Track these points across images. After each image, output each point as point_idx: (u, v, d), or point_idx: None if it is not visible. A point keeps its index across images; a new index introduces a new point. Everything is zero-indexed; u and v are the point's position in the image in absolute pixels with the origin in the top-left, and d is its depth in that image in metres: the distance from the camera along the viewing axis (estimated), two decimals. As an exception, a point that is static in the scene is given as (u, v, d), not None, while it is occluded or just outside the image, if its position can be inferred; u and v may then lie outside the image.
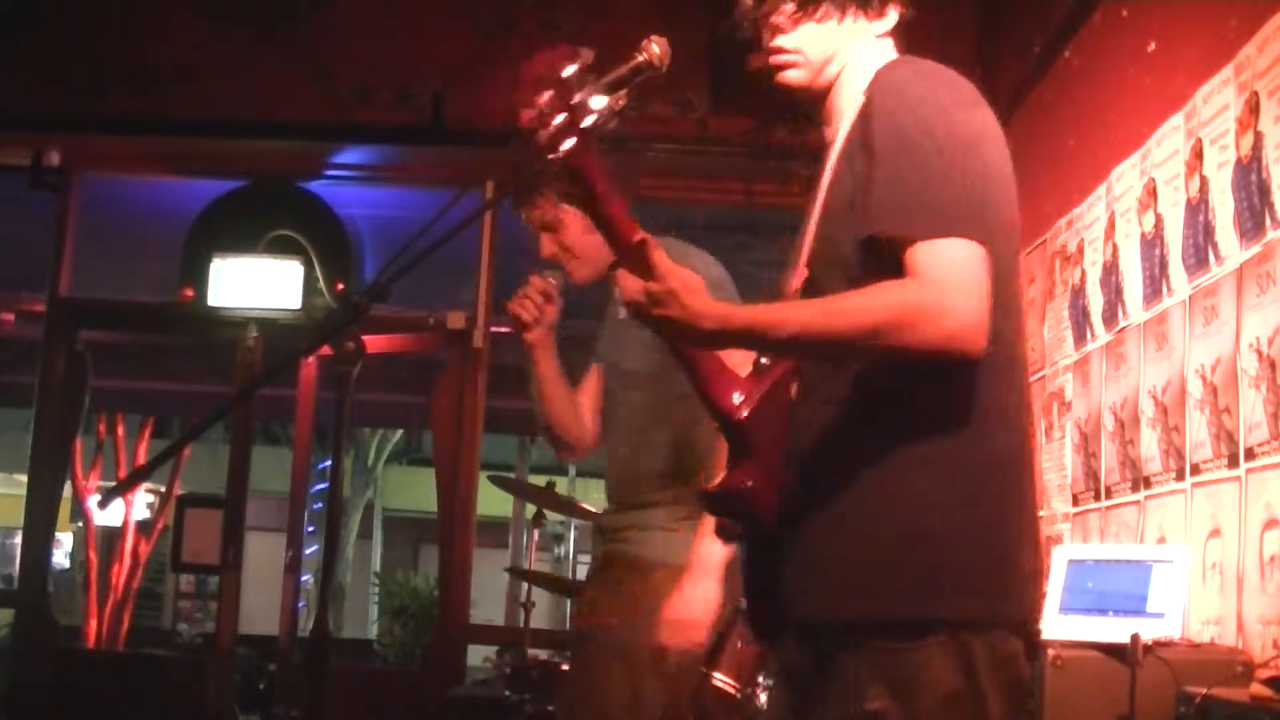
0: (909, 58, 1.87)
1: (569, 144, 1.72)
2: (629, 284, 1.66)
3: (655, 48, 2.20)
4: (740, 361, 1.82)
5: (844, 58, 1.92)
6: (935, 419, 1.73)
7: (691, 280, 1.66)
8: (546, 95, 1.77)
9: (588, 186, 1.74)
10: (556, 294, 2.98)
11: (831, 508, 1.75)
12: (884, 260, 1.70)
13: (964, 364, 1.67)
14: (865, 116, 1.79)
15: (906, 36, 1.98)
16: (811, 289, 1.82)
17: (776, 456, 1.78)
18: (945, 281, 1.65)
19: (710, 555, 2.77)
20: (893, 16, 1.94)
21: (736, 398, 1.77)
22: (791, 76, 1.94)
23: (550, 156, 1.72)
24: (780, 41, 1.92)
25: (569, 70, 1.77)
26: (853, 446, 1.75)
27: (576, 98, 1.75)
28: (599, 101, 1.77)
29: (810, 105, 1.98)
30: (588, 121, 1.75)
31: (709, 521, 2.75)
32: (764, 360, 1.82)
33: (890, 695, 1.69)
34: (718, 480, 1.82)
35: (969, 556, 1.72)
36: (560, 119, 1.74)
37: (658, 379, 2.94)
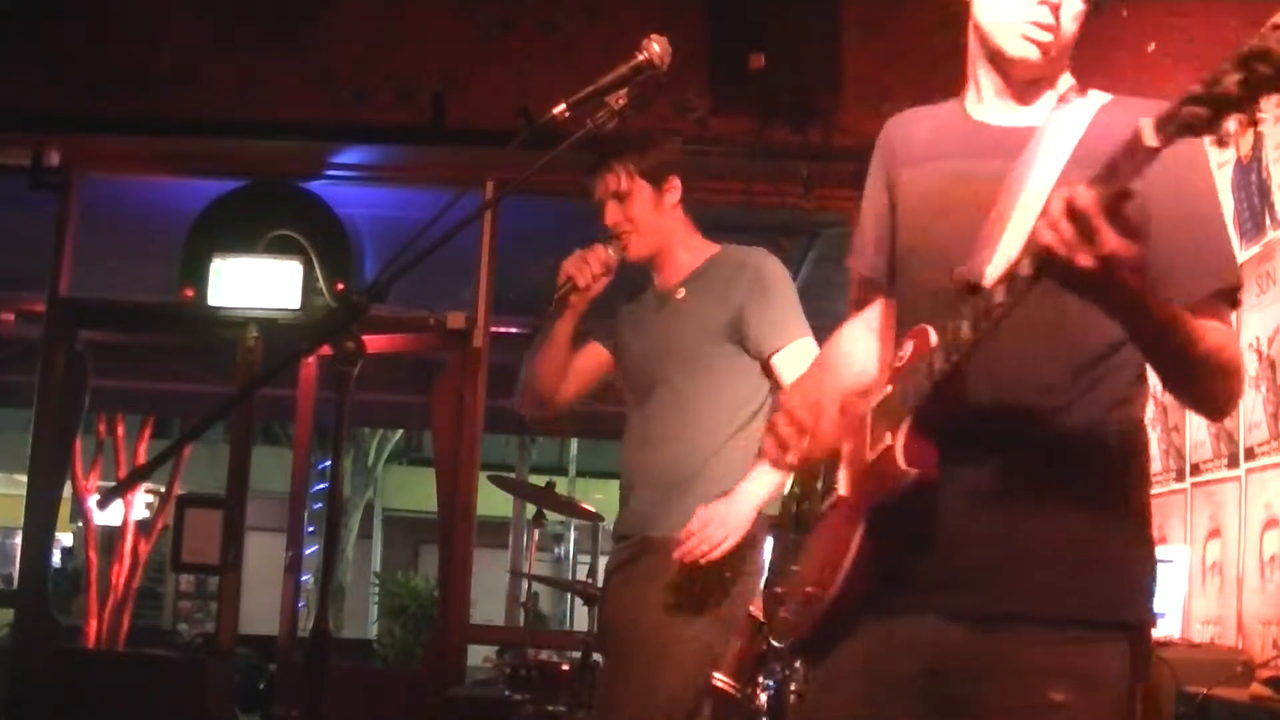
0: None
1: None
2: (1109, 234, 1.51)
3: (655, 47, 2.20)
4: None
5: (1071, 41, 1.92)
6: (1138, 430, 1.88)
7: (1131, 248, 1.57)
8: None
9: None
10: (614, 269, 3.10)
11: (1054, 512, 1.80)
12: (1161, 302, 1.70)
13: (1222, 418, 1.98)
14: (1159, 165, 1.59)
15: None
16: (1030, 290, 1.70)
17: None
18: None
19: (754, 487, 2.86)
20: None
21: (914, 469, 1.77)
22: (1040, 57, 1.88)
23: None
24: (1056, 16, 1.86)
25: None
26: (1083, 448, 1.81)
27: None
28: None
29: (1008, 78, 1.92)
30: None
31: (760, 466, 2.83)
32: (888, 438, 1.80)
33: (1073, 687, 1.75)
34: (906, 458, 1.76)
35: (1151, 564, 1.86)
36: None
37: (714, 366, 3.03)
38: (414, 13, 5.56)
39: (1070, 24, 1.86)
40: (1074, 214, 1.49)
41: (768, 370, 3.04)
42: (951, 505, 1.80)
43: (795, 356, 2.97)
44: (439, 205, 2.15)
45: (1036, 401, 1.80)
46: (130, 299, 6.08)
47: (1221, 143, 1.42)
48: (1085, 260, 1.50)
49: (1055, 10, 1.83)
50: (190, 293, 5.74)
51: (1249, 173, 2.96)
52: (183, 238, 5.82)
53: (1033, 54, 1.86)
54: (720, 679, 3.32)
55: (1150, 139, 1.44)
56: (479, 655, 9.74)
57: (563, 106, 2.13)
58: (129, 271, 6.04)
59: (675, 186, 3.12)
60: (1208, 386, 1.75)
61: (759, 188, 5.37)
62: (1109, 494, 1.82)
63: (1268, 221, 2.85)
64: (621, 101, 2.19)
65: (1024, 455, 1.80)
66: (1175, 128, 1.41)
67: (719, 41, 4.97)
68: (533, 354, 3.24)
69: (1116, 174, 1.48)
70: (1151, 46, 3.61)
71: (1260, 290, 2.87)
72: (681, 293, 3.12)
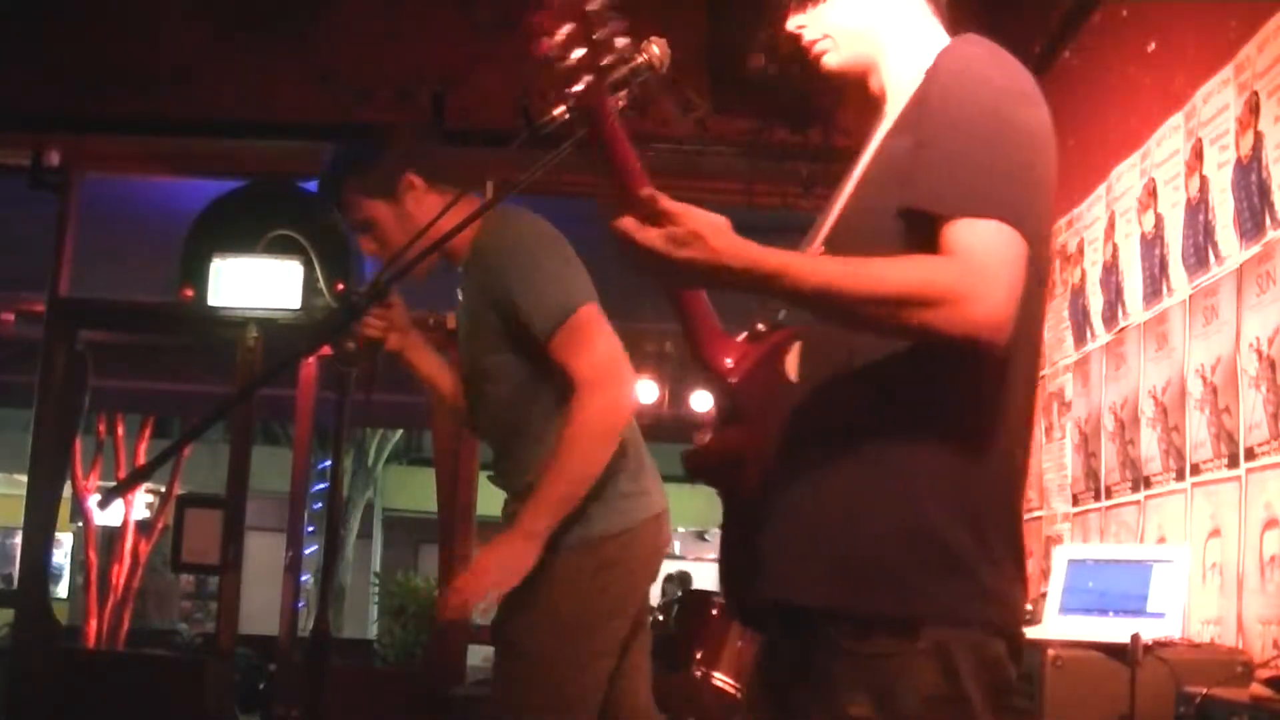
0: (980, 38, 1.78)
1: (585, 81, 1.69)
2: (647, 234, 1.57)
3: (655, 48, 2.20)
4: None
5: (875, 35, 1.86)
6: (952, 418, 1.68)
7: (716, 220, 1.59)
8: (568, 28, 1.72)
9: (601, 127, 1.68)
10: (392, 297, 2.93)
11: (829, 489, 1.68)
12: (921, 238, 1.63)
13: (981, 355, 1.59)
14: (926, 87, 1.71)
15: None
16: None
17: (765, 424, 1.72)
18: (982, 266, 1.58)
19: (534, 524, 2.69)
20: None
21: (729, 361, 1.72)
22: (830, 61, 1.86)
23: (567, 91, 1.68)
24: (809, 35, 1.86)
25: (594, 3, 1.70)
26: (861, 430, 1.68)
27: (598, 34, 1.70)
28: (619, 40, 1.71)
29: (857, 90, 1.90)
30: (607, 60, 1.71)
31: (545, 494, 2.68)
32: (760, 327, 1.77)
33: (871, 701, 1.63)
34: (703, 439, 1.76)
35: (963, 559, 1.66)
36: (580, 54, 1.69)
37: (511, 371, 2.85)
38: (414, 13, 5.56)
39: (840, 25, 1.85)
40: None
41: (549, 361, 2.75)
42: (766, 493, 1.75)
43: (572, 335, 2.72)
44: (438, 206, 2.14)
45: (836, 383, 1.71)
46: (130, 299, 6.09)
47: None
48: (642, 263, 1.58)
49: (798, 32, 1.86)
50: (190, 293, 5.74)
51: (1249, 173, 2.96)
52: (183, 238, 5.82)
53: (826, 65, 1.87)
54: (720, 679, 3.33)
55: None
56: (479, 655, 9.74)
57: (563, 107, 2.13)
58: (129, 271, 6.04)
59: (411, 184, 2.88)
60: (874, 320, 1.59)
61: (759, 188, 5.38)
62: (884, 476, 1.67)
63: (1268, 221, 2.85)
64: (621, 102, 2.19)
65: (815, 440, 1.71)
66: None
67: (719, 41, 4.97)
68: (429, 399, 3.08)
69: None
70: (1151, 46, 3.61)
71: (1260, 290, 2.87)
72: (459, 291, 2.95)
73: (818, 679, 1.68)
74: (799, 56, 1.88)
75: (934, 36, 1.87)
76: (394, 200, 2.87)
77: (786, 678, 1.77)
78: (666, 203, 1.58)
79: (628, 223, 1.58)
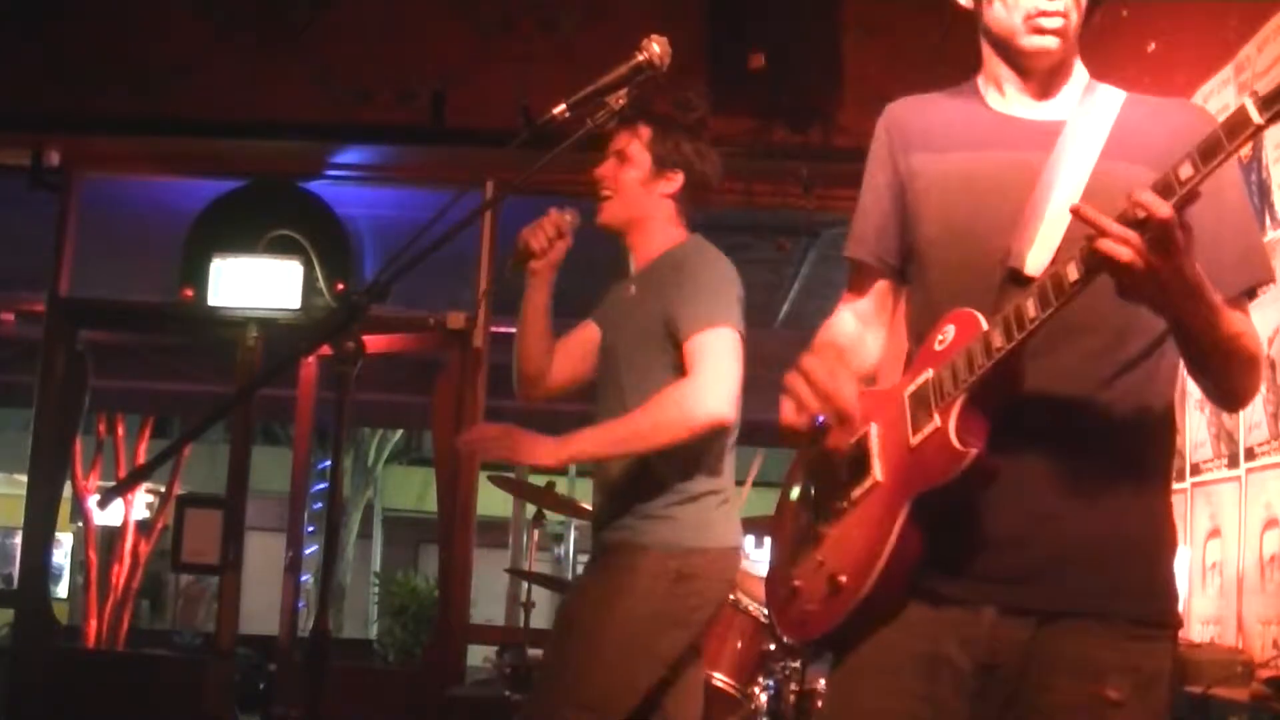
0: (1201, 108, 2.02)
1: None
2: (1130, 239, 1.56)
3: (655, 47, 2.20)
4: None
5: (1076, 44, 1.92)
6: (1170, 441, 1.91)
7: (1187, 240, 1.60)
8: None
9: None
10: (569, 231, 3.02)
11: (1110, 507, 1.80)
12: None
13: (1239, 409, 1.98)
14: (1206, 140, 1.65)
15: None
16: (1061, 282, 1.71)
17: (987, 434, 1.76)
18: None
19: (578, 444, 2.87)
20: None
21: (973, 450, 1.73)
22: (1055, 44, 1.87)
23: None
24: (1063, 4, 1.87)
25: None
26: (1136, 468, 1.84)
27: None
28: None
29: (1027, 71, 1.91)
30: None
31: None
32: (935, 417, 1.79)
33: (1130, 686, 1.76)
34: (968, 449, 1.73)
35: (1175, 570, 1.88)
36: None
37: (655, 366, 2.91)
38: (414, 13, 5.56)
39: (1075, 10, 1.87)
40: (1150, 223, 1.53)
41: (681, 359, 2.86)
42: (1007, 494, 1.77)
43: (703, 344, 2.82)
44: (439, 205, 2.14)
45: (1089, 392, 1.80)
46: (130, 299, 6.09)
47: None
48: (1159, 266, 1.56)
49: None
50: (190, 293, 5.74)
51: (1249, 173, 2.96)
52: (183, 238, 5.82)
53: (1048, 43, 1.86)
54: (720, 679, 3.33)
55: (1256, 116, 1.49)
56: (479, 655, 9.74)
57: (563, 107, 2.13)
58: (129, 271, 6.04)
59: (677, 180, 3.02)
60: (1235, 378, 1.77)
61: (759, 188, 5.37)
62: (1159, 489, 1.86)
63: (1268, 221, 2.85)
64: (621, 101, 2.19)
65: (1077, 445, 1.79)
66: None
67: (719, 41, 4.97)
68: (517, 334, 3.16)
69: (1215, 154, 1.54)
70: (1151, 46, 3.61)
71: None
72: (633, 289, 3.04)
73: (1071, 663, 1.78)
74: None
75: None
76: (656, 170, 3.03)
77: (1006, 663, 1.81)
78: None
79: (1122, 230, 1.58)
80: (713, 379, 2.78)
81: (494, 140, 4.84)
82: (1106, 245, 1.54)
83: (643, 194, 3.02)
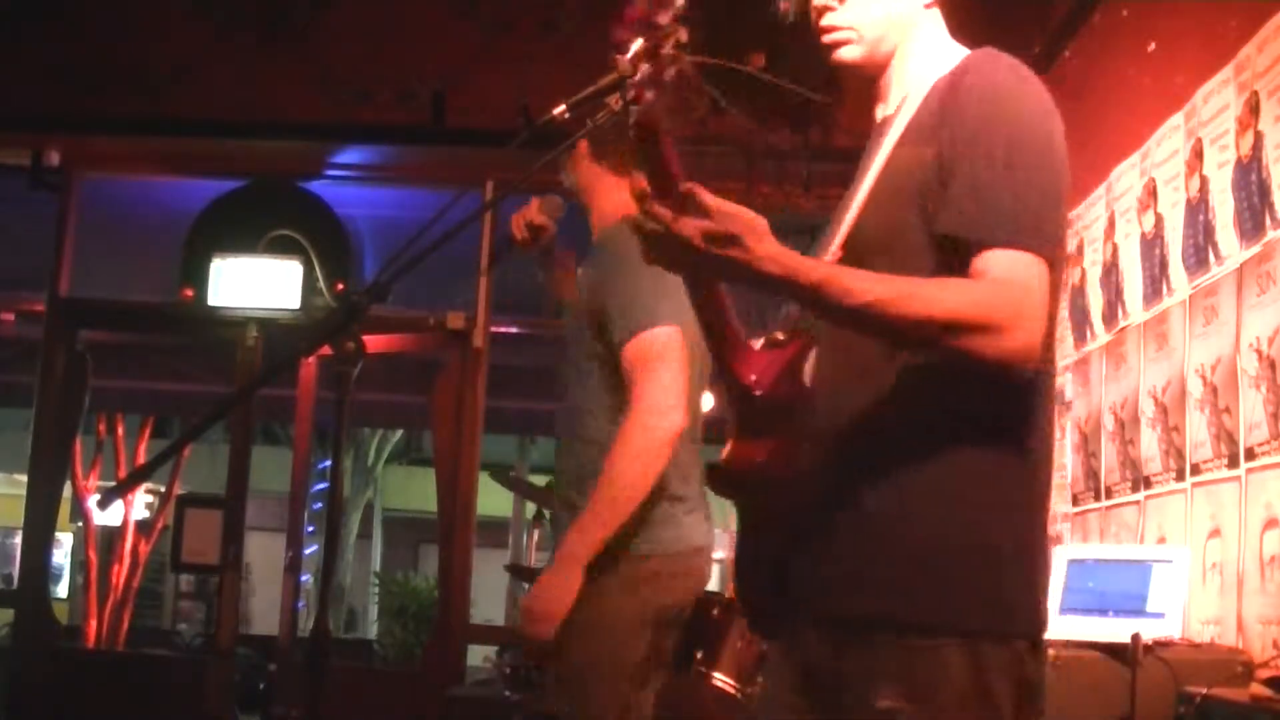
0: (998, 52, 1.82)
1: (647, 94, 1.69)
2: (684, 225, 1.56)
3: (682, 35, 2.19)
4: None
5: (897, 33, 1.88)
6: (993, 429, 1.73)
7: (756, 222, 1.60)
8: (639, 43, 1.75)
9: (656, 135, 1.67)
10: (552, 218, 2.99)
11: (875, 503, 1.72)
12: (949, 257, 1.68)
13: (1008, 377, 1.66)
14: (954, 105, 1.73)
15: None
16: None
17: (791, 435, 1.75)
18: (1019, 298, 1.64)
19: (574, 549, 2.75)
20: None
21: (753, 375, 1.73)
22: (847, 54, 1.87)
23: (633, 108, 1.69)
24: (831, 19, 1.87)
25: (664, 17, 1.72)
26: (904, 443, 1.72)
27: (664, 48, 1.72)
28: (681, 49, 1.74)
29: (860, 85, 1.92)
30: (669, 73, 1.72)
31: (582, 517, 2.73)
32: (779, 335, 1.79)
33: (903, 695, 1.68)
34: (727, 453, 1.76)
35: (1007, 571, 1.72)
36: (646, 70, 1.71)
37: (583, 356, 2.86)
38: (414, 13, 5.56)
39: (869, 18, 1.86)
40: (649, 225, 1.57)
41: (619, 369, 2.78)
42: (806, 503, 1.77)
43: (642, 348, 2.72)
44: (439, 205, 2.14)
45: (864, 392, 1.75)
46: (130, 299, 6.09)
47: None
48: (672, 255, 1.57)
49: (824, 9, 1.86)
50: (190, 293, 5.74)
51: (1249, 173, 2.96)
52: (183, 238, 5.82)
53: (842, 57, 1.87)
54: (720, 679, 3.33)
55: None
56: (479, 655, 9.74)
57: (563, 107, 2.12)
58: (129, 271, 6.04)
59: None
60: (920, 341, 1.64)
61: (759, 188, 5.38)
62: (948, 486, 1.71)
63: (1268, 221, 2.85)
64: (621, 102, 2.19)
65: (857, 452, 1.75)
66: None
67: (719, 41, 4.96)
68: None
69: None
70: (1151, 46, 3.61)
71: (1260, 290, 2.87)
72: (579, 280, 2.98)
73: (851, 676, 1.73)
74: (808, 39, 1.88)
75: (945, 44, 1.90)
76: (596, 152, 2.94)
77: (822, 677, 1.79)
78: (708, 198, 1.59)
79: (664, 211, 1.57)
80: (659, 395, 2.71)
81: (494, 140, 4.84)
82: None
83: (590, 175, 2.97)
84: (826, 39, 1.89)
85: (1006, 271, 1.64)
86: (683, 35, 1.72)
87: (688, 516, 2.87)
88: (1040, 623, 1.76)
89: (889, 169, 1.80)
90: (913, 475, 1.71)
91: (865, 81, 1.92)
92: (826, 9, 1.88)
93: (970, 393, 1.70)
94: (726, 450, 1.78)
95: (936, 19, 1.92)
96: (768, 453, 1.75)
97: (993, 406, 1.72)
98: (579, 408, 2.89)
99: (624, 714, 2.82)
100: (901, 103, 1.85)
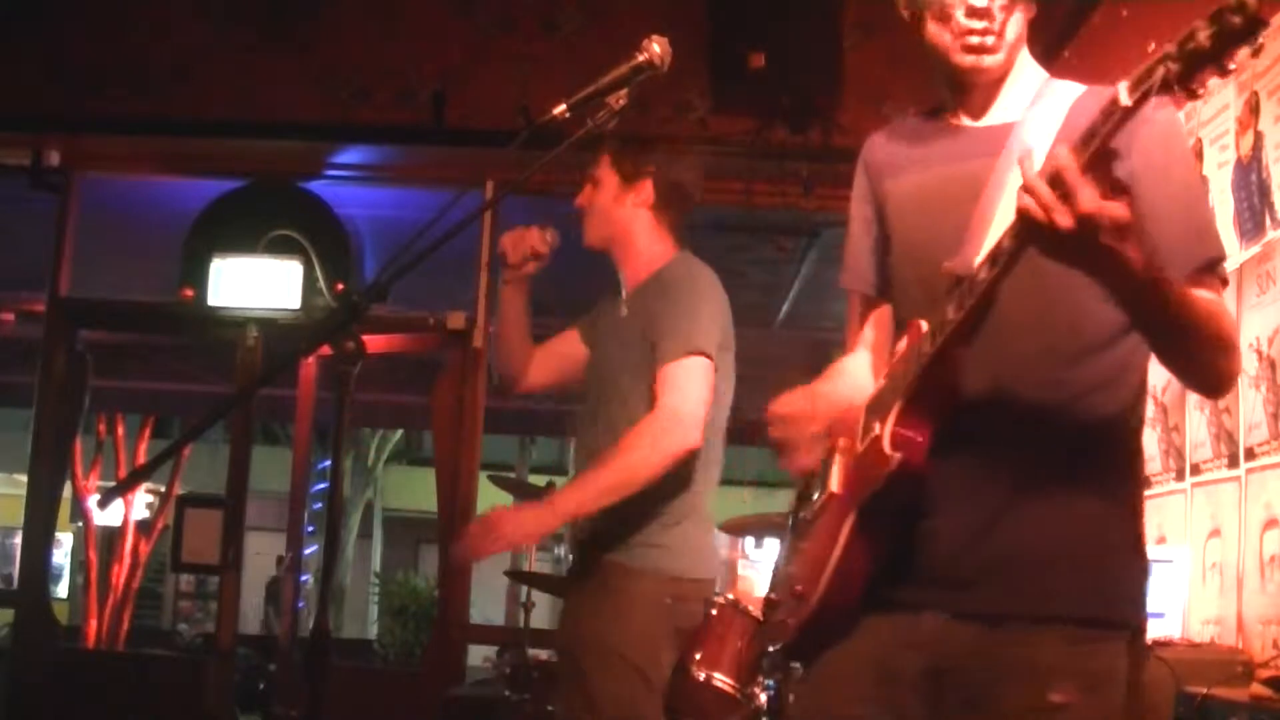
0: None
1: None
2: (1087, 194, 1.49)
3: (655, 47, 2.20)
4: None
5: (1018, 45, 1.92)
6: (1133, 435, 1.88)
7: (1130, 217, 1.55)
8: None
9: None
10: (547, 252, 3.10)
11: (1043, 503, 1.79)
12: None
13: (1221, 396, 1.92)
14: (1139, 132, 1.73)
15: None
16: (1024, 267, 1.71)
17: (946, 428, 1.78)
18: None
19: (564, 501, 2.88)
20: (1032, 10, 1.93)
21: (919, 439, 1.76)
22: (993, 61, 1.89)
23: None
24: (995, 25, 1.87)
25: None
26: (1071, 447, 1.81)
27: None
28: None
29: (968, 86, 1.93)
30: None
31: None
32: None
33: (1077, 688, 1.75)
34: (889, 433, 1.76)
35: (1145, 570, 1.88)
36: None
37: (639, 390, 2.95)
38: (414, 13, 5.56)
39: (1011, 24, 1.87)
40: (1051, 174, 1.50)
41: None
42: (951, 498, 1.79)
43: (673, 376, 2.86)
44: (439, 205, 2.14)
45: (1034, 395, 1.80)
46: (130, 299, 6.09)
47: (1193, 95, 1.43)
48: (1063, 220, 1.49)
49: (986, 15, 1.85)
50: (190, 293, 5.74)
51: (1249, 173, 2.96)
52: (183, 238, 5.82)
53: (981, 61, 1.88)
54: (720, 679, 3.33)
55: (1125, 98, 1.45)
56: (479, 655, 9.74)
57: (563, 106, 2.12)
58: (129, 271, 6.04)
59: (645, 189, 3.07)
60: (1206, 359, 1.73)
61: (759, 188, 5.37)
62: (1110, 491, 1.82)
63: (1268, 221, 2.85)
64: (621, 102, 2.19)
65: (1022, 448, 1.79)
66: (1150, 85, 1.42)
67: (719, 41, 4.97)
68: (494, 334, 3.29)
69: (1094, 135, 1.49)
70: (1151, 46, 3.61)
71: (1260, 290, 2.87)
72: (624, 311, 3.09)
73: (1011, 671, 1.77)
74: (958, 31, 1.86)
75: (1033, 62, 1.97)
76: (625, 183, 3.08)
77: (936, 678, 1.81)
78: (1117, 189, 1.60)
79: (1095, 193, 1.50)
80: (680, 409, 2.84)
81: (494, 140, 4.85)
82: (1020, 198, 1.53)
83: (615, 210, 3.09)
84: (974, 41, 1.86)
85: (1222, 297, 1.79)
86: None
87: (705, 538, 3.01)
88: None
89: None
90: (1075, 475, 1.80)
91: (987, 81, 1.92)
92: (988, 14, 1.86)
93: (1117, 399, 1.83)
94: (885, 430, 1.77)
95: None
96: (928, 439, 1.76)
97: (1131, 414, 1.86)
98: (618, 415, 2.97)
99: None
100: (1022, 113, 1.88)
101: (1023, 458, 1.79)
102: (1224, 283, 1.79)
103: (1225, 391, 1.82)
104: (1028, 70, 1.94)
